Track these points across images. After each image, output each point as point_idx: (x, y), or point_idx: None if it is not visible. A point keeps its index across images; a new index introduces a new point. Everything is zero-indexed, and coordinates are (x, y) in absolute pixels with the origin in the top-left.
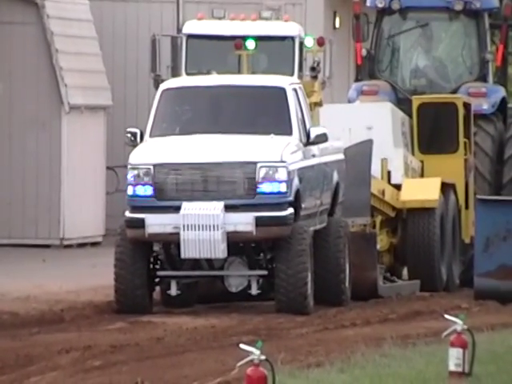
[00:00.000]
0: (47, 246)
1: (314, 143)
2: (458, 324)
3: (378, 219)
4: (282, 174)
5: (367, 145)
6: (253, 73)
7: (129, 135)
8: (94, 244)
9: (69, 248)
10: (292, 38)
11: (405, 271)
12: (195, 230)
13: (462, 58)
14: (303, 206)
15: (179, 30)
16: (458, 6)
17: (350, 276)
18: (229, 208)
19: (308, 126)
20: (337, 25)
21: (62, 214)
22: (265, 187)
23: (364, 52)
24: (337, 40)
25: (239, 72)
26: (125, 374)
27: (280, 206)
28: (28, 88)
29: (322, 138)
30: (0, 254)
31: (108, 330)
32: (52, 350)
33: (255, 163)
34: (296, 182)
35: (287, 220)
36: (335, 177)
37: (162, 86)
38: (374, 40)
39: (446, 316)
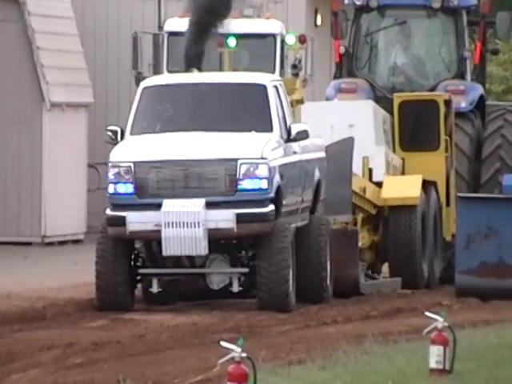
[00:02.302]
0: (29, 244)
1: (294, 140)
2: (439, 321)
3: (360, 217)
4: (262, 171)
5: (348, 142)
6: (234, 70)
7: (109, 133)
8: (75, 241)
9: (50, 245)
10: (273, 36)
11: (384, 268)
12: (176, 227)
13: (440, 56)
14: (284, 202)
15: (160, 28)
16: (436, 4)
17: (331, 273)
18: (210, 205)
19: (289, 123)
20: (318, 22)
21: (44, 211)
22: (246, 184)
23: (342, 49)
24: (318, 38)
25: (221, 69)
26: (106, 372)
27: (261, 203)
28: (9, 85)
29: (303, 135)
30: None
31: (89, 328)
32: (33, 347)
33: (236, 160)
34: (277, 178)
35: (268, 216)
36: (317, 174)
37: (143, 84)
38: (352, 37)
39: (427, 313)
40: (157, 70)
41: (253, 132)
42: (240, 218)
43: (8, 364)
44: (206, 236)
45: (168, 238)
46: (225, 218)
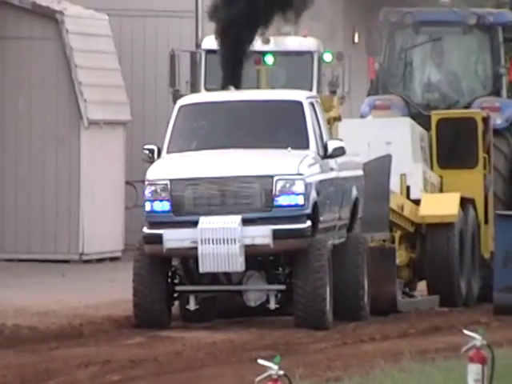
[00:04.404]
0: (66, 261)
1: (331, 156)
2: (478, 339)
3: (397, 234)
4: (299, 187)
5: (386, 160)
6: (271, 88)
7: (146, 152)
8: (113, 259)
9: (88, 263)
10: (311, 53)
11: (419, 285)
12: (213, 243)
13: (476, 73)
14: (321, 219)
15: (198, 46)
16: (472, 20)
17: (368, 291)
18: (246, 221)
19: (325, 140)
20: (356, 40)
21: (81, 228)
22: (282, 200)
23: (377, 66)
24: (356, 55)
25: (258, 87)
26: None
27: (297, 219)
28: (47, 103)
29: (340, 151)
30: (20, 269)
31: (127, 345)
32: (71, 364)
33: (272, 176)
34: (313, 194)
35: (305, 232)
36: (354, 192)
37: (179, 103)
38: (387, 54)
39: (465, 331)
40: (194, 88)
41: (289, 149)
42: (276, 234)
43: (45, 381)
44: (242, 252)
45: (204, 254)
46: (261, 234)
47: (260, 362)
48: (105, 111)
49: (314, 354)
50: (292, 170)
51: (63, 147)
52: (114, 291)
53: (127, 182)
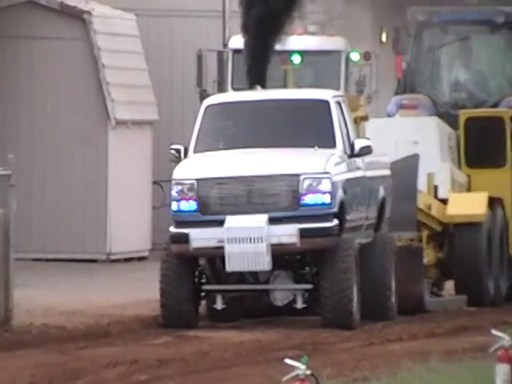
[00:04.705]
0: (94, 261)
1: (358, 155)
2: (506, 339)
3: (425, 233)
4: (325, 186)
5: (414, 159)
6: (299, 87)
7: (173, 151)
8: (140, 258)
9: (115, 262)
10: (338, 53)
11: (447, 284)
12: (239, 242)
13: (503, 71)
14: (348, 218)
15: (225, 45)
16: (500, 19)
17: (396, 291)
18: (273, 220)
19: (352, 138)
20: (383, 39)
21: (109, 228)
22: (309, 199)
23: (404, 65)
24: (384, 55)
25: (285, 87)
26: None
27: (324, 218)
28: (75, 103)
29: (367, 150)
30: (47, 269)
31: (154, 345)
32: (98, 364)
33: (298, 175)
34: (340, 193)
35: (332, 231)
36: (381, 192)
37: (206, 102)
38: (414, 53)
39: (493, 331)
40: (221, 88)
41: (316, 148)
42: (303, 233)
43: (73, 381)
44: (269, 251)
45: (231, 253)
46: (288, 233)
47: (287, 361)
48: (132, 111)
49: (341, 353)
50: (319, 169)
51: (91, 147)
52: (142, 291)
53: (154, 182)
